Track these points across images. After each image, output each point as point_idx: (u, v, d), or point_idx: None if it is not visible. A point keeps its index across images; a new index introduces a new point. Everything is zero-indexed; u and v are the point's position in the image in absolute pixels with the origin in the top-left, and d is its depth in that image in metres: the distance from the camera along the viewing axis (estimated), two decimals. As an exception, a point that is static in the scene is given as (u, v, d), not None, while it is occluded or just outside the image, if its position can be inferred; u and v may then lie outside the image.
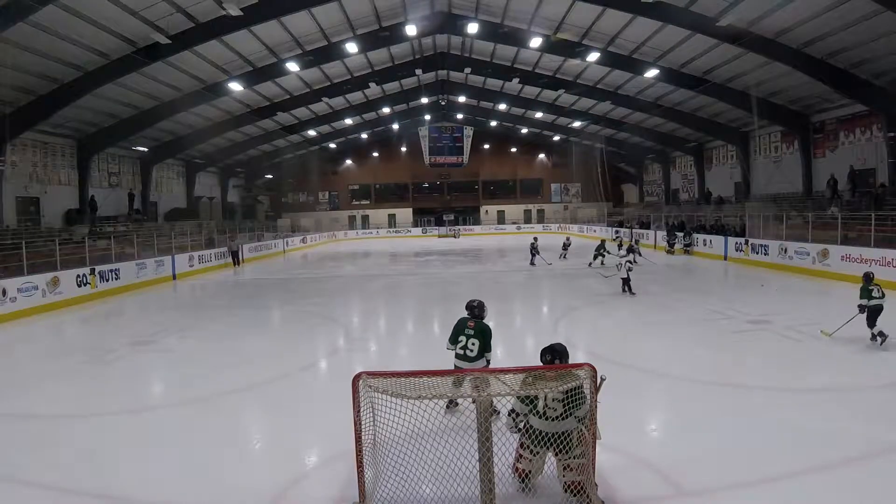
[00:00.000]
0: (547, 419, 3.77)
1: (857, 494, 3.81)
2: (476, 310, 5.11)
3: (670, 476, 4.06)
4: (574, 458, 3.71)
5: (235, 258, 22.81)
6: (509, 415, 4.03)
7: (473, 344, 4.89)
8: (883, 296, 7.28)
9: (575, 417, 3.75)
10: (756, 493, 3.82)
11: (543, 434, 3.76)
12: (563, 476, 3.75)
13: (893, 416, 5.07)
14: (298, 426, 5.42)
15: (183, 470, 4.44)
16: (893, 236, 13.22)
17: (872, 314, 7.29)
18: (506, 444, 3.76)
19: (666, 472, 4.12)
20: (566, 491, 3.71)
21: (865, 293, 7.30)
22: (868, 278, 7.43)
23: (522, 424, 3.97)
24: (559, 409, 3.72)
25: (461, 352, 4.96)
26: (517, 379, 3.59)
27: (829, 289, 12.72)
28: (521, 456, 3.92)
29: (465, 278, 16.76)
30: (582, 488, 3.65)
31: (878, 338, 7.27)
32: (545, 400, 3.75)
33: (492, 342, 5.06)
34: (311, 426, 5.41)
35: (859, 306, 7.35)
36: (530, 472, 3.89)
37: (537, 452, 3.84)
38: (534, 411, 3.81)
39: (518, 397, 3.80)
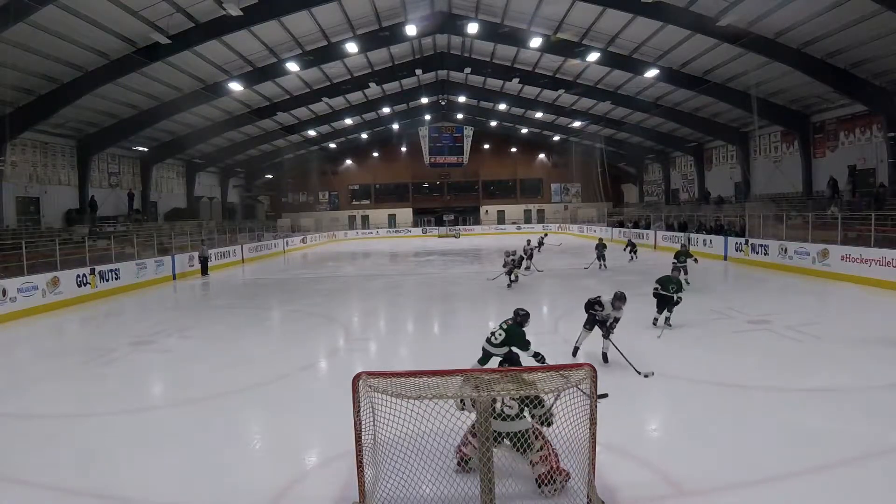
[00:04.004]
0: (504, 419, 3.89)
1: (857, 494, 3.81)
2: (518, 317, 5.87)
3: (670, 476, 4.06)
4: (535, 453, 3.85)
5: (204, 266, 19.71)
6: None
7: (500, 335, 5.74)
8: (672, 291, 8.83)
9: (531, 415, 3.90)
10: (756, 493, 3.82)
11: (498, 434, 3.83)
12: (533, 471, 3.87)
13: (894, 416, 5.07)
14: (298, 426, 5.42)
15: (183, 470, 4.44)
16: (893, 236, 13.21)
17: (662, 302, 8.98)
18: (469, 424, 3.86)
19: (666, 472, 4.12)
20: (539, 485, 3.82)
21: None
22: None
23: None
24: (515, 407, 3.87)
25: (489, 335, 5.84)
26: (517, 379, 3.60)
27: (829, 289, 12.71)
28: (468, 442, 4.02)
29: (465, 278, 16.75)
30: (553, 477, 3.78)
31: (656, 322, 8.94)
32: (501, 400, 3.88)
33: (519, 344, 5.74)
34: (311, 426, 5.41)
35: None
36: (471, 458, 3.97)
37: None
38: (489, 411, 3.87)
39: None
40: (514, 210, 46.67)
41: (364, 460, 3.54)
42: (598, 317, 6.77)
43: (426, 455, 3.57)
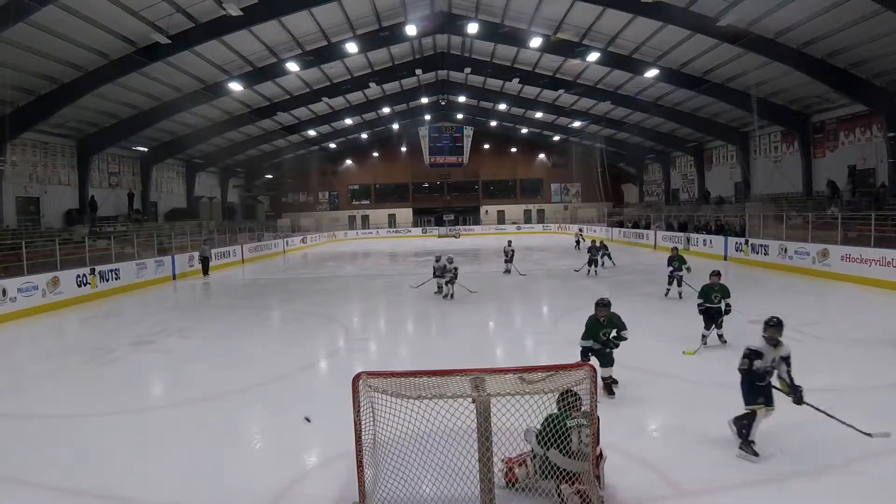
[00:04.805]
0: (581, 459, 3.65)
1: (857, 494, 3.81)
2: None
3: (670, 476, 4.06)
4: (575, 485, 3.66)
5: (205, 266, 19.61)
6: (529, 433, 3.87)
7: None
8: (718, 301, 7.54)
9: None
10: (756, 494, 3.82)
11: (560, 470, 3.66)
12: (575, 491, 3.69)
13: (894, 417, 5.06)
14: (298, 426, 5.41)
15: (183, 470, 4.44)
16: (893, 236, 13.21)
17: (710, 316, 7.65)
18: (505, 445, 3.76)
19: (666, 472, 4.12)
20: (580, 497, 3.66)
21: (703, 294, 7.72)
22: (717, 274, 7.94)
23: (534, 454, 3.87)
24: (589, 444, 3.65)
25: None
26: (517, 379, 3.59)
27: (829, 289, 12.71)
28: (523, 462, 3.88)
29: (465, 278, 16.69)
30: (587, 496, 3.64)
31: (718, 339, 7.66)
32: (580, 437, 3.67)
33: (586, 333, 5.79)
34: (311, 426, 5.41)
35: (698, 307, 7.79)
36: (519, 480, 3.83)
37: (540, 477, 3.78)
38: (565, 453, 3.66)
39: (540, 444, 3.73)
40: (514, 210, 46.67)
41: (364, 460, 3.55)
42: (782, 374, 4.42)
43: (426, 455, 3.57)
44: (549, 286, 15.03)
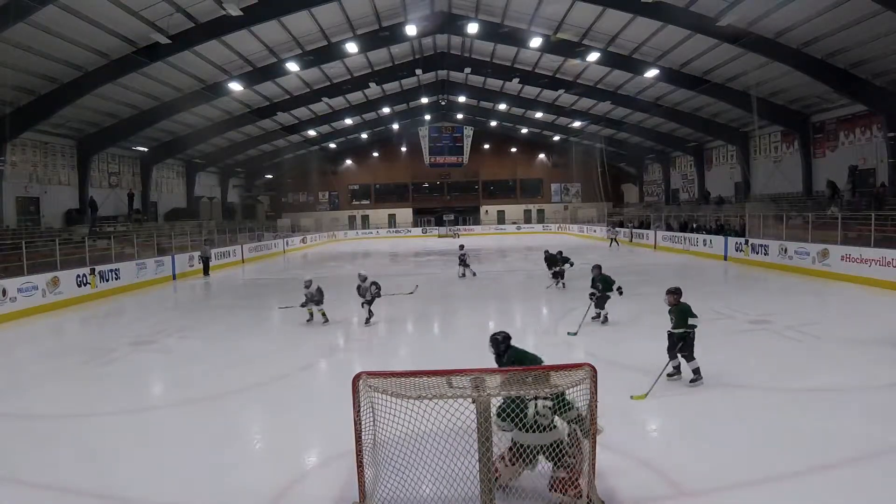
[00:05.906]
0: (538, 431, 3.66)
1: (857, 494, 3.81)
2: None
3: (670, 476, 4.06)
4: (565, 469, 3.65)
5: (206, 265, 19.50)
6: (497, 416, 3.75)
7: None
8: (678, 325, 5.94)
9: (565, 421, 3.72)
10: (756, 493, 3.81)
11: (532, 448, 3.66)
12: (553, 474, 3.70)
13: (893, 416, 5.07)
14: (298, 426, 5.41)
15: (183, 470, 4.44)
16: (893, 236, 13.21)
17: (675, 342, 6.03)
18: (506, 445, 3.75)
19: (666, 472, 4.12)
20: (551, 489, 3.65)
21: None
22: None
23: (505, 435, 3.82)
24: (549, 416, 3.65)
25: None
26: (517, 379, 3.59)
27: (829, 289, 12.71)
28: (502, 457, 3.82)
29: (465, 278, 16.74)
30: (567, 485, 3.62)
31: (674, 371, 6.07)
32: (535, 408, 3.67)
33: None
34: (311, 426, 5.41)
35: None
36: (500, 477, 3.76)
37: (516, 464, 3.74)
38: (521, 426, 3.64)
39: (499, 415, 3.66)
40: (514, 210, 46.69)
41: (364, 460, 3.54)
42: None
43: (426, 455, 3.56)
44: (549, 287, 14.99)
